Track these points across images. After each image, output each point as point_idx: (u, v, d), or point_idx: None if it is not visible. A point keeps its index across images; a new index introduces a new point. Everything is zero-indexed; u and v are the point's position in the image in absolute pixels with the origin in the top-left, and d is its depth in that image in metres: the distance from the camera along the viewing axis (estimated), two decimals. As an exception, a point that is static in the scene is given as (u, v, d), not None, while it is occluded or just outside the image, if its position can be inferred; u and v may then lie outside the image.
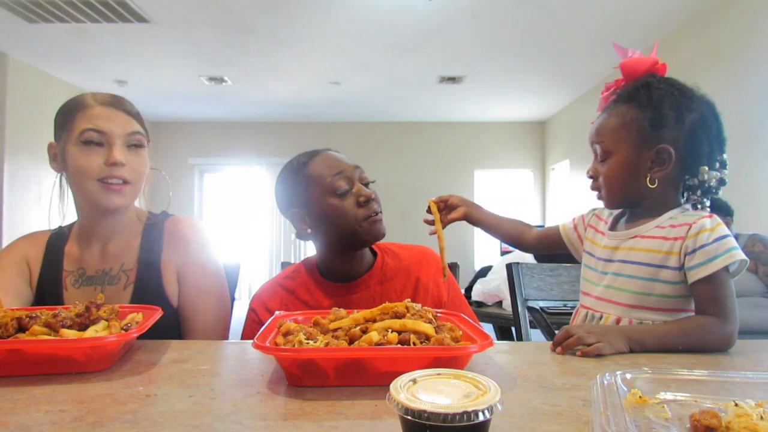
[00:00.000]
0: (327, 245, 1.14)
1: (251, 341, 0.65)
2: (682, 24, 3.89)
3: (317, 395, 0.60)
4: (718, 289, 0.87)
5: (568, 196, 6.37)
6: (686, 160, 0.95)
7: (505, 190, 7.52)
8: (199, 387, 0.63)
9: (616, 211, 1.08)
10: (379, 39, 4.32)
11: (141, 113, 1.12)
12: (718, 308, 0.86)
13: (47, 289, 1.08)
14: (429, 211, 1.16)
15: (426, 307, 0.75)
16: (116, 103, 1.07)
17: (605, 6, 3.66)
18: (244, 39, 4.31)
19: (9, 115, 4.67)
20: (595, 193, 1.04)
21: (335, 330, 0.71)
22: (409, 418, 0.37)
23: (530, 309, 1.77)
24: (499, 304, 2.75)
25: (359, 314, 0.73)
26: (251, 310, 1.14)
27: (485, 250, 7.18)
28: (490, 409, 0.38)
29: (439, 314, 0.79)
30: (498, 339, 2.64)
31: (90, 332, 0.73)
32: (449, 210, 1.17)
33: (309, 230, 1.12)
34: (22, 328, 0.72)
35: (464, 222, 1.19)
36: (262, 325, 1.07)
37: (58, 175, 1.11)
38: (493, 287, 2.76)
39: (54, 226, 1.16)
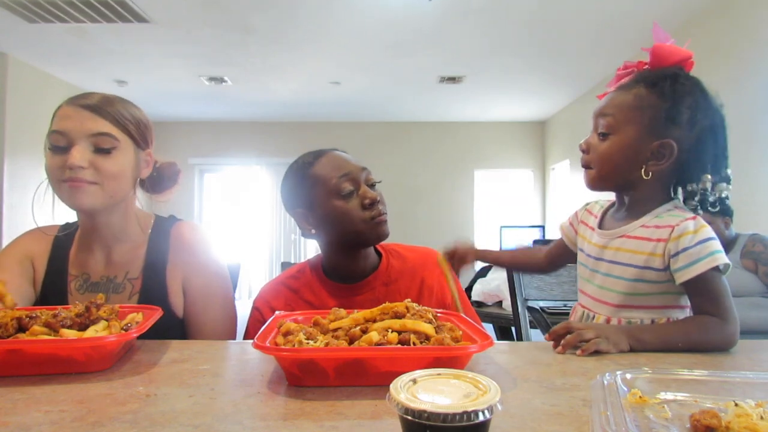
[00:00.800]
0: (331, 246, 1.13)
1: (251, 341, 0.65)
2: (681, 24, 3.89)
3: (317, 395, 0.60)
4: (710, 291, 0.87)
5: (568, 196, 6.37)
6: (687, 163, 0.94)
7: (505, 190, 7.52)
8: (199, 387, 0.63)
9: (607, 204, 1.08)
10: (379, 39, 4.32)
11: (135, 117, 1.06)
12: (715, 309, 0.86)
13: (52, 292, 1.06)
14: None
15: (426, 307, 0.75)
16: (91, 104, 1.01)
17: (605, 6, 3.66)
18: (244, 39, 4.31)
19: (9, 115, 4.67)
20: (584, 176, 1.02)
21: (335, 330, 0.71)
22: (409, 418, 0.37)
23: (530, 309, 1.77)
24: (499, 304, 2.75)
25: (359, 314, 0.73)
26: (255, 309, 1.13)
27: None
28: (490, 409, 0.38)
29: (439, 314, 0.79)
30: (498, 339, 2.64)
31: (90, 332, 0.73)
32: (459, 260, 1.17)
33: (313, 231, 1.12)
34: (22, 328, 0.72)
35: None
36: (261, 321, 1.07)
37: (43, 180, 1.05)
38: (493, 287, 2.76)
39: (49, 224, 1.13)
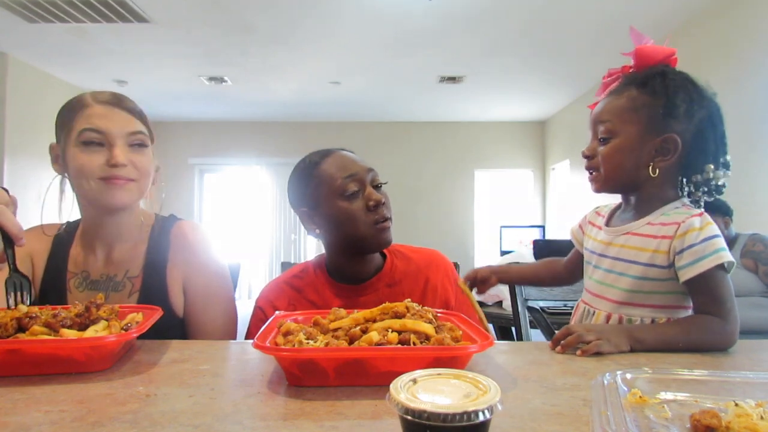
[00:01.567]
0: (335, 246, 1.13)
1: (251, 341, 0.65)
2: (681, 24, 3.89)
3: (317, 395, 0.60)
4: (713, 289, 0.87)
5: (568, 196, 6.37)
6: (691, 155, 0.95)
7: (505, 190, 7.52)
8: (199, 387, 0.63)
9: (614, 205, 1.08)
10: (379, 39, 4.32)
11: (145, 114, 1.10)
12: (716, 307, 0.86)
13: (51, 290, 1.07)
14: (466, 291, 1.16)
15: (426, 307, 0.75)
16: (116, 101, 1.04)
17: (605, 6, 3.66)
18: (244, 39, 4.31)
19: (9, 115, 4.67)
20: (589, 180, 1.03)
21: (335, 330, 0.71)
22: (409, 418, 0.37)
23: (530, 309, 1.77)
24: (499, 304, 2.75)
25: (359, 314, 0.73)
26: (258, 308, 1.13)
27: (485, 250, 7.18)
28: (490, 409, 0.38)
29: (439, 314, 0.79)
30: (498, 339, 2.63)
31: (90, 332, 0.72)
32: (481, 283, 1.16)
33: (317, 230, 1.12)
34: (21, 328, 0.72)
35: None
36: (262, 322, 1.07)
37: (56, 177, 1.08)
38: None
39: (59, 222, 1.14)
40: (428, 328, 0.67)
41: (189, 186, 7.35)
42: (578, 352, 0.79)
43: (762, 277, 2.45)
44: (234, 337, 1.14)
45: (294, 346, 0.65)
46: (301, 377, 0.63)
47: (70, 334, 0.72)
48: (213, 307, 1.11)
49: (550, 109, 6.74)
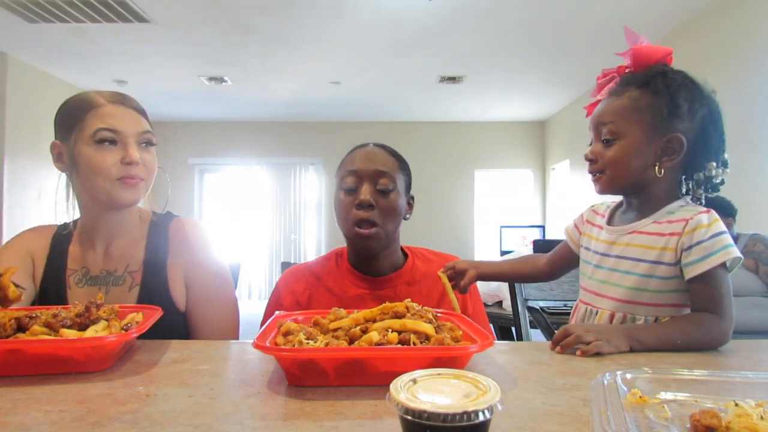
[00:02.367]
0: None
1: (251, 341, 0.65)
2: (682, 24, 3.89)
3: (317, 395, 0.60)
4: (715, 287, 0.87)
5: (568, 196, 6.37)
6: (694, 154, 0.95)
7: (505, 190, 7.52)
8: (199, 387, 0.63)
9: (613, 205, 1.08)
10: (379, 39, 4.32)
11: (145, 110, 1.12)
12: (714, 305, 0.86)
13: (51, 287, 1.07)
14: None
15: (426, 307, 0.75)
16: (123, 99, 1.08)
17: (605, 6, 3.66)
18: (244, 39, 4.31)
19: (9, 115, 4.67)
20: (593, 180, 1.02)
21: (335, 330, 0.71)
22: (409, 418, 0.37)
23: (530, 309, 1.77)
24: (499, 304, 2.75)
25: (359, 314, 0.73)
26: (276, 288, 1.17)
27: (485, 251, 7.18)
28: (490, 409, 0.38)
29: (439, 314, 0.79)
30: (498, 339, 2.64)
31: (90, 332, 0.72)
32: (459, 275, 1.13)
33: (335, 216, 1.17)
34: (21, 328, 0.72)
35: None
36: (281, 307, 1.09)
37: (62, 175, 1.09)
38: (493, 287, 2.76)
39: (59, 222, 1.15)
40: (428, 328, 0.67)
41: (189, 186, 7.35)
42: (578, 352, 0.79)
43: (762, 277, 2.45)
44: (236, 337, 1.14)
45: (294, 346, 0.65)
46: (301, 377, 0.63)
47: (70, 334, 0.72)
48: (214, 306, 1.12)
49: (550, 109, 6.74)
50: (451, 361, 0.63)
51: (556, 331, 0.85)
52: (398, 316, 0.71)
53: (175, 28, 4.08)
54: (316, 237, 7.41)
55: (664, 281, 0.92)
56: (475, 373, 0.43)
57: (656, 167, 0.94)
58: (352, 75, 5.31)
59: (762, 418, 0.46)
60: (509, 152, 7.44)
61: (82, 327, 0.74)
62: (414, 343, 0.65)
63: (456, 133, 7.37)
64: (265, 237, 7.35)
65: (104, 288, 1.07)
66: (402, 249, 1.21)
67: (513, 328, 2.52)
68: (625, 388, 0.54)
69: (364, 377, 0.63)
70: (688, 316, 0.90)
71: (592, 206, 1.13)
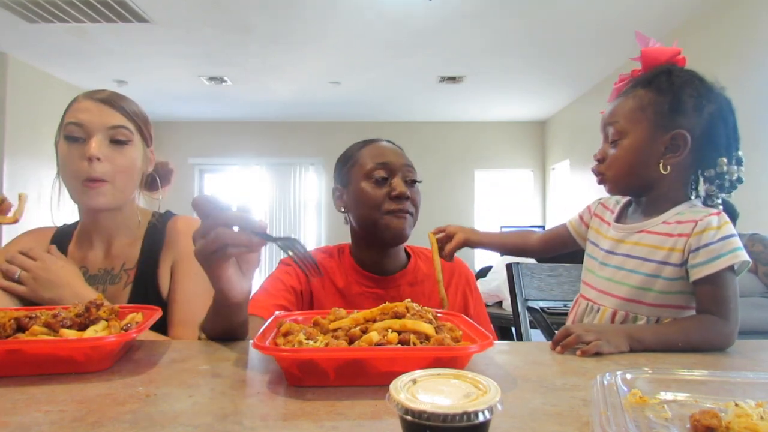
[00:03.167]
0: (356, 231, 1.16)
1: (251, 341, 0.65)
2: (682, 24, 3.89)
3: (317, 395, 0.60)
4: (721, 289, 0.87)
5: (568, 196, 6.37)
6: (702, 150, 0.94)
7: (505, 190, 7.52)
8: (199, 387, 0.63)
9: (623, 201, 1.07)
10: (379, 39, 4.32)
11: (143, 114, 1.10)
12: (720, 308, 0.86)
13: None
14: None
15: (426, 307, 0.75)
16: (109, 99, 1.04)
17: (605, 6, 3.66)
18: (244, 39, 4.31)
19: (9, 115, 4.67)
20: (599, 184, 1.02)
21: (335, 330, 0.71)
22: (409, 418, 0.37)
23: (530, 309, 1.77)
24: (499, 304, 2.75)
25: (359, 314, 0.73)
26: (284, 263, 1.15)
27: (485, 251, 7.16)
28: (490, 409, 0.38)
29: (439, 314, 0.79)
30: (498, 339, 2.63)
31: (90, 332, 0.72)
32: (449, 240, 1.15)
33: (343, 209, 1.17)
34: (21, 328, 0.72)
35: (464, 222, 1.20)
36: (281, 282, 1.09)
37: (57, 174, 1.09)
38: (493, 287, 2.76)
39: (57, 224, 1.16)
40: (428, 329, 0.67)
41: (189, 186, 7.35)
42: (578, 352, 0.79)
43: (762, 277, 2.45)
44: None
45: (294, 346, 0.65)
46: (301, 377, 0.63)
47: (70, 334, 0.71)
48: (194, 286, 1.07)
49: (550, 109, 6.74)
50: (451, 361, 0.63)
51: (556, 332, 0.85)
52: (398, 316, 0.71)
53: (175, 28, 4.08)
54: (316, 237, 7.41)
55: (670, 282, 0.92)
56: (475, 373, 0.43)
57: (661, 164, 0.93)
58: (352, 75, 5.31)
59: (762, 418, 0.46)
60: (509, 152, 7.44)
61: (82, 327, 0.74)
62: (414, 343, 0.65)
63: (456, 133, 7.37)
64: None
65: (101, 286, 1.07)
66: (405, 249, 1.21)
67: (513, 328, 2.52)
68: (625, 388, 0.54)
69: (364, 377, 0.63)
70: (692, 318, 0.89)
71: (600, 199, 1.13)
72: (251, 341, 0.65)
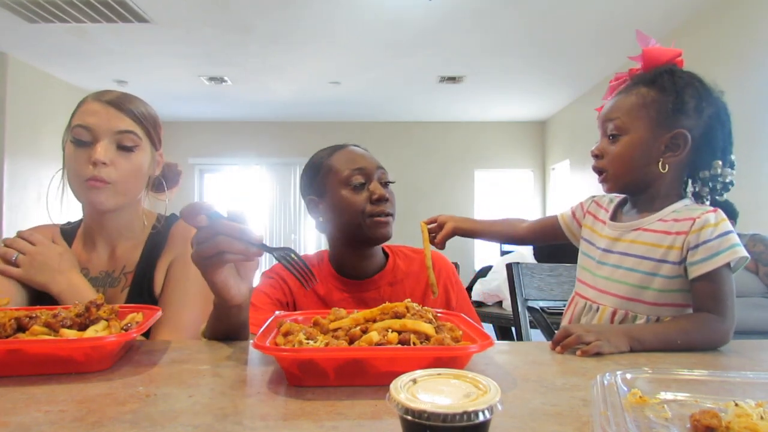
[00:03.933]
0: (336, 237, 1.16)
1: (251, 341, 0.65)
2: (682, 24, 3.89)
3: (317, 395, 0.60)
4: (718, 287, 0.87)
5: (568, 196, 6.37)
6: (700, 152, 0.95)
7: (505, 190, 7.52)
8: (199, 387, 0.63)
9: (617, 199, 1.08)
10: (379, 39, 4.32)
11: (152, 116, 1.09)
12: (717, 305, 0.86)
13: None
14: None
15: (426, 308, 0.75)
16: (117, 101, 1.04)
17: (605, 6, 3.66)
18: (244, 39, 4.31)
19: (9, 115, 4.67)
20: (600, 183, 1.03)
21: (335, 330, 0.71)
22: (409, 418, 0.37)
23: (530, 309, 1.77)
24: (499, 304, 2.75)
25: (359, 314, 0.73)
26: (267, 276, 1.14)
27: (485, 250, 7.17)
28: (490, 409, 0.38)
29: (439, 314, 0.79)
30: (498, 339, 2.64)
31: (90, 332, 0.72)
32: (438, 226, 1.18)
33: (321, 219, 1.15)
34: (21, 328, 0.72)
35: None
36: (265, 294, 1.08)
37: (57, 172, 1.09)
38: (493, 287, 2.76)
39: (59, 222, 1.15)
40: (428, 328, 0.67)
41: (189, 186, 7.35)
42: (578, 352, 0.79)
43: (762, 277, 2.45)
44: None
45: (294, 346, 0.65)
46: (301, 377, 0.63)
47: (70, 334, 0.71)
48: (185, 288, 1.05)
49: (550, 109, 6.74)
50: (451, 361, 0.63)
51: (556, 332, 0.85)
52: (398, 316, 0.71)
53: (175, 28, 4.08)
54: (315, 237, 7.41)
55: (668, 280, 0.92)
56: (475, 373, 0.43)
57: (660, 162, 0.94)
58: (352, 75, 5.31)
59: (762, 418, 0.46)
60: (509, 152, 7.44)
61: (82, 327, 0.74)
62: (414, 343, 0.65)
63: (456, 133, 7.37)
64: (264, 237, 7.34)
65: (101, 289, 1.07)
66: (382, 248, 1.21)
67: (513, 328, 2.52)
68: (625, 388, 0.54)
69: (364, 377, 0.63)
70: (690, 316, 0.90)
71: (594, 197, 1.13)
72: (251, 341, 0.65)
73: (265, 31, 4.14)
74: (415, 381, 0.43)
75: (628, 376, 0.56)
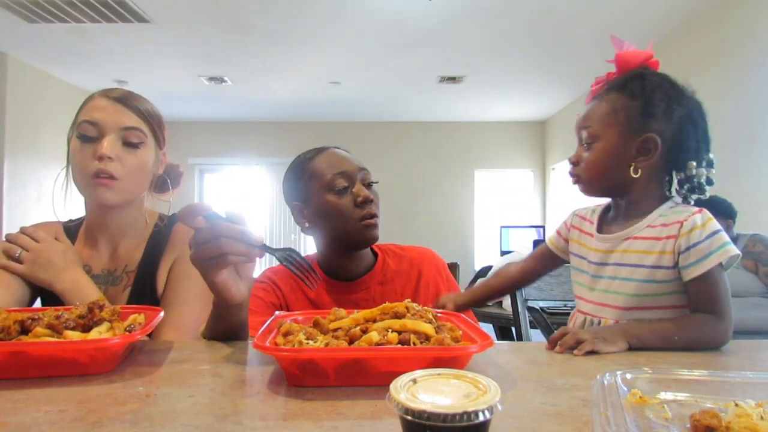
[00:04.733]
0: (324, 241, 1.15)
1: (251, 341, 0.65)
2: (682, 24, 3.89)
3: (317, 395, 0.60)
4: (713, 288, 0.87)
5: (568, 196, 6.37)
6: (672, 153, 0.95)
7: (505, 190, 7.52)
8: (199, 387, 0.63)
9: (599, 209, 1.08)
10: (379, 39, 4.32)
11: (157, 114, 1.09)
12: (714, 306, 0.87)
13: None
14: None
15: (426, 308, 0.75)
16: (123, 98, 1.04)
17: (605, 6, 3.66)
18: (244, 39, 4.31)
19: (9, 115, 4.67)
20: (574, 185, 1.04)
21: (335, 330, 0.71)
22: (409, 418, 0.37)
23: (530, 309, 1.77)
24: (499, 304, 2.75)
25: (359, 314, 0.73)
26: (270, 280, 1.14)
27: (485, 250, 7.18)
28: (490, 409, 0.38)
29: (439, 314, 0.79)
30: (498, 339, 2.64)
31: (94, 334, 0.72)
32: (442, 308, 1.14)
33: (307, 224, 1.14)
34: (24, 330, 0.72)
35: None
36: (259, 299, 1.08)
37: (62, 170, 1.09)
38: (493, 287, 2.75)
39: (61, 219, 1.15)
40: (428, 328, 0.67)
41: (189, 186, 7.35)
42: (575, 351, 0.79)
43: (762, 277, 2.45)
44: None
45: (294, 346, 0.65)
46: (301, 377, 0.63)
47: (73, 335, 0.71)
48: (188, 289, 1.05)
49: (550, 109, 6.74)
50: (451, 361, 0.63)
51: (556, 332, 0.86)
52: (398, 316, 0.71)
53: (175, 28, 4.08)
54: (316, 237, 7.40)
55: (665, 284, 0.92)
56: (475, 373, 0.43)
57: (632, 167, 0.95)
58: (352, 75, 5.31)
59: (762, 418, 0.46)
60: (509, 152, 7.44)
61: (86, 328, 0.74)
62: (414, 343, 0.65)
63: (456, 133, 7.37)
64: (264, 237, 7.34)
65: (103, 287, 1.07)
66: (371, 248, 1.20)
67: (513, 328, 2.52)
68: (625, 388, 0.54)
69: (364, 377, 0.63)
70: (688, 316, 0.90)
71: (575, 211, 1.14)
72: (251, 341, 0.65)
73: (265, 31, 4.14)
74: (415, 381, 0.43)
75: (628, 376, 0.56)
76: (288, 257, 0.80)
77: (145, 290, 1.07)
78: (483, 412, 0.37)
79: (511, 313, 1.91)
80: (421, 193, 7.25)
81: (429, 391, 0.41)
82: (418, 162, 7.33)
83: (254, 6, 3.69)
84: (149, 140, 1.07)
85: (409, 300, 0.75)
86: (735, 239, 2.58)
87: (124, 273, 1.09)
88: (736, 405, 0.48)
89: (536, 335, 1.95)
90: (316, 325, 0.74)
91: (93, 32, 4.12)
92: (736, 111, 3.26)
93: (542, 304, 2.08)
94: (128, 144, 1.03)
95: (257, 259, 0.78)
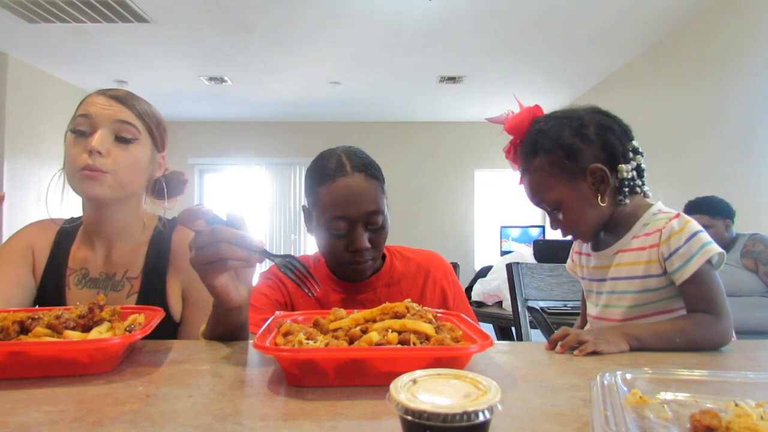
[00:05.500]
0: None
1: (251, 341, 0.65)
2: (682, 24, 3.88)
3: (317, 395, 0.60)
4: (705, 287, 0.89)
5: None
6: (616, 163, 0.98)
7: (505, 190, 7.51)
8: (199, 387, 0.63)
9: None
10: (379, 39, 4.32)
11: (155, 116, 1.09)
12: (710, 305, 0.88)
13: (50, 284, 1.07)
14: None
15: (426, 308, 0.75)
16: (120, 95, 1.04)
17: (605, 6, 3.66)
18: (244, 39, 4.31)
19: (9, 115, 4.67)
20: (574, 239, 1.10)
21: (335, 330, 0.71)
22: (409, 418, 0.37)
23: (530, 309, 1.77)
24: (499, 304, 2.75)
25: (359, 314, 0.73)
26: (264, 277, 1.14)
27: (485, 250, 7.18)
28: (490, 409, 0.38)
29: (439, 314, 0.79)
30: (498, 339, 2.64)
31: (94, 334, 0.72)
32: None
33: (312, 233, 1.14)
34: (24, 329, 0.72)
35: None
36: (264, 295, 1.08)
37: (62, 168, 1.08)
38: (493, 287, 2.76)
39: (57, 218, 1.14)
40: (428, 329, 0.67)
41: (189, 186, 7.34)
42: (575, 352, 0.79)
43: (762, 277, 2.45)
44: None
45: (294, 346, 0.65)
46: (301, 377, 0.63)
47: (74, 335, 0.71)
48: (207, 310, 1.08)
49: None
50: (451, 361, 0.63)
51: (556, 332, 0.86)
52: (398, 316, 0.71)
53: (175, 28, 4.08)
54: (316, 237, 7.40)
55: (659, 291, 0.95)
56: (475, 373, 0.43)
57: (599, 199, 0.98)
58: (352, 75, 5.31)
59: (762, 418, 0.46)
60: (509, 152, 7.42)
61: (86, 328, 0.74)
62: (414, 344, 0.65)
63: (456, 133, 7.37)
64: (264, 237, 7.35)
65: (102, 292, 1.05)
66: None
67: (513, 328, 2.52)
68: (625, 388, 0.54)
69: (364, 377, 0.63)
70: (686, 316, 0.90)
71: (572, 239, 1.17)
72: (251, 341, 0.65)
73: (265, 31, 4.14)
74: (415, 381, 0.43)
75: (628, 376, 0.56)
76: (288, 264, 0.80)
77: (152, 300, 1.04)
78: (483, 412, 0.37)
79: (511, 313, 1.91)
80: (421, 194, 7.25)
81: (429, 391, 0.41)
82: (418, 162, 7.33)
83: (254, 6, 3.69)
84: (144, 138, 1.06)
85: (410, 300, 0.75)
86: (735, 239, 2.58)
87: (125, 279, 1.07)
88: (736, 405, 0.48)
89: (536, 335, 1.95)
90: (316, 325, 0.74)
91: (93, 32, 4.12)
92: (736, 111, 3.26)
93: (542, 304, 2.08)
94: (120, 139, 1.01)
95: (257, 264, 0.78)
